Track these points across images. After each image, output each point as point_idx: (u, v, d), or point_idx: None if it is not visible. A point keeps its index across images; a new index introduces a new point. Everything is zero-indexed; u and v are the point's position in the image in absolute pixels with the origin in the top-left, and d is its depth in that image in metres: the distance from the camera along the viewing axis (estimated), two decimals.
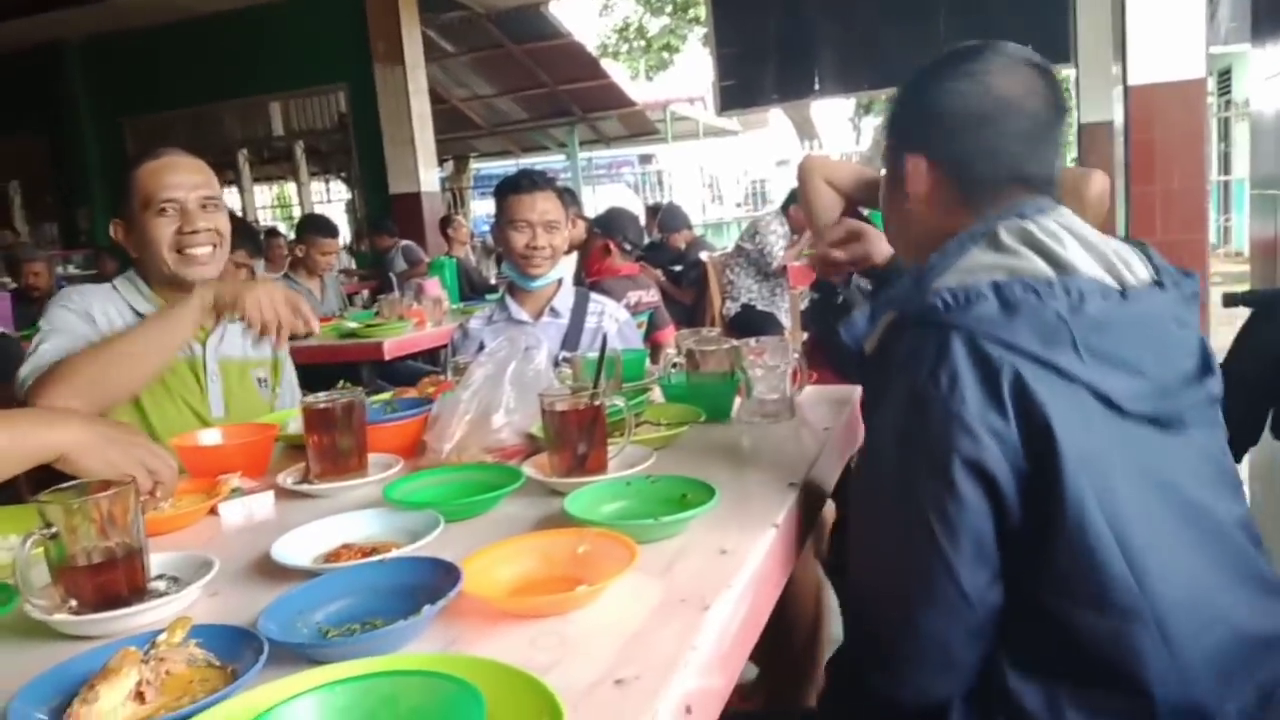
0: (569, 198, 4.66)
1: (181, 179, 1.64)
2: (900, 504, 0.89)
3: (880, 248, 1.44)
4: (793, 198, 5.41)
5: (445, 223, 6.69)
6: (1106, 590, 0.82)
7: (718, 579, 0.86)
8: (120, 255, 8.20)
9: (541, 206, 2.14)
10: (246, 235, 3.84)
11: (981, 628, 0.87)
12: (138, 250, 1.67)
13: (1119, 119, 4.04)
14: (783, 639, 1.66)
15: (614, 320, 2.28)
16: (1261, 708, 0.85)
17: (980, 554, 0.85)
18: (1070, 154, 11.15)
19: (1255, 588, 0.89)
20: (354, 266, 7.54)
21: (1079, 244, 0.94)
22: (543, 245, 2.13)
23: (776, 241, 5.20)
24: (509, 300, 2.26)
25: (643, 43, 14.11)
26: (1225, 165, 11.56)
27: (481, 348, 2.20)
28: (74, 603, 0.86)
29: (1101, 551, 0.82)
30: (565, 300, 2.25)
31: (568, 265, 4.25)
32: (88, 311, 1.61)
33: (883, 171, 1.18)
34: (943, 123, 1.00)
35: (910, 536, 0.87)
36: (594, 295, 2.34)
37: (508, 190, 2.18)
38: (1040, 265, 0.91)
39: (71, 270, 7.49)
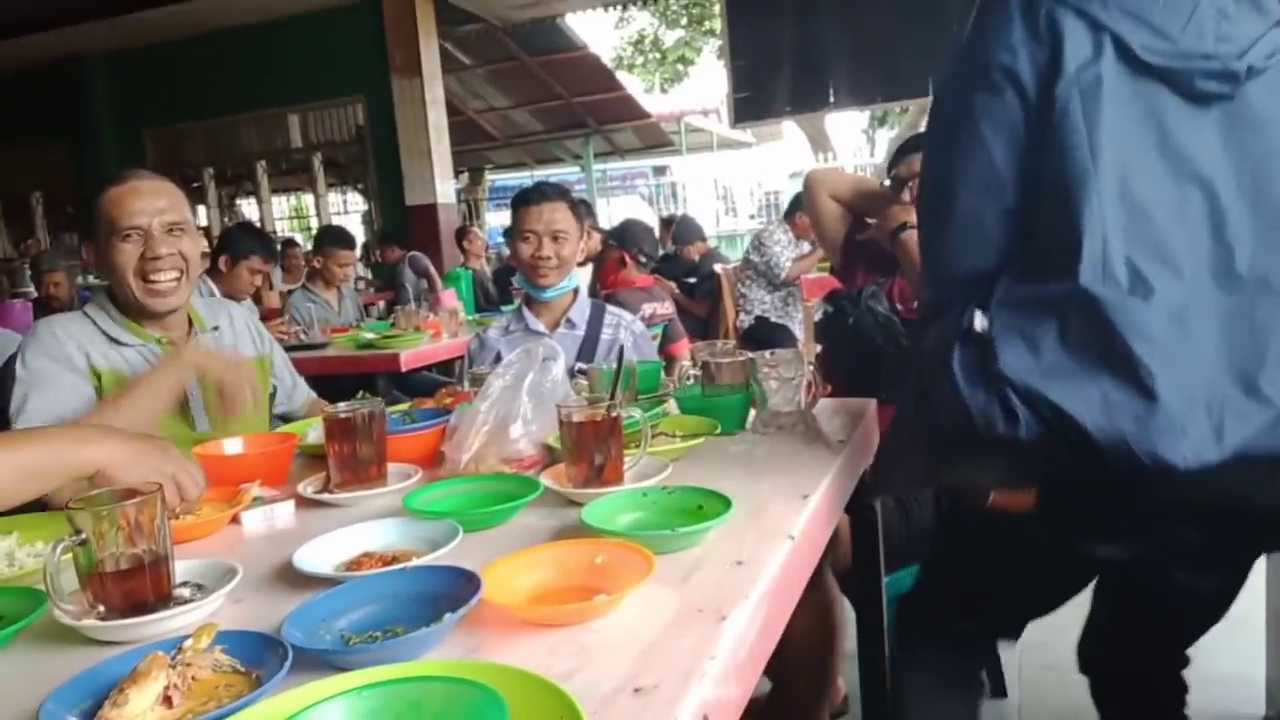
0: (584, 210, 4.67)
1: (145, 204, 1.60)
2: (955, 108, 1.14)
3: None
4: (795, 205, 5.42)
5: (461, 234, 6.73)
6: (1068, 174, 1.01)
7: (734, 590, 0.87)
8: None
9: (548, 217, 2.15)
10: (259, 241, 3.87)
11: (1008, 212, 1.07)
12: (104, 275, 1.65)
13: None
14: (797, 653, 1.66)
15: (629, 332, 2.28)
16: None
17: (1011, 142, 1.06)
18: None
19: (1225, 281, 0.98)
20: (370, 277, 7.59)
21: None
22: (548, 255, 2.14)
23: (782, 252, 5.20)
24: (525, 311, 2.27)
25: (658, 55, 14.17)
26: None
27: (498, 358, 2.21)
28: (102, 608, 0.88)
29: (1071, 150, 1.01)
30: (581, 312, 2.26)
31: (583, 277, 4.27)
32: (68, 356, 1.58)
33: None
34: None
35: (959, 130, 1.10)
36: (610, 307, 2.35)
37: (519, 202, 2.21)
38: None
39: (91, 280, 7.56)
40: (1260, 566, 2.36)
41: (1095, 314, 0.95)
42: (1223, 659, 2.18)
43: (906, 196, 2.05)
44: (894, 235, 1.98)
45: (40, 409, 1.51)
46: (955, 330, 1.05)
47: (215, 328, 1.80)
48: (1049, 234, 1.02)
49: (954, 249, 1.12)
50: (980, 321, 1.03)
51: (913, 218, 1.99)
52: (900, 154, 2.13)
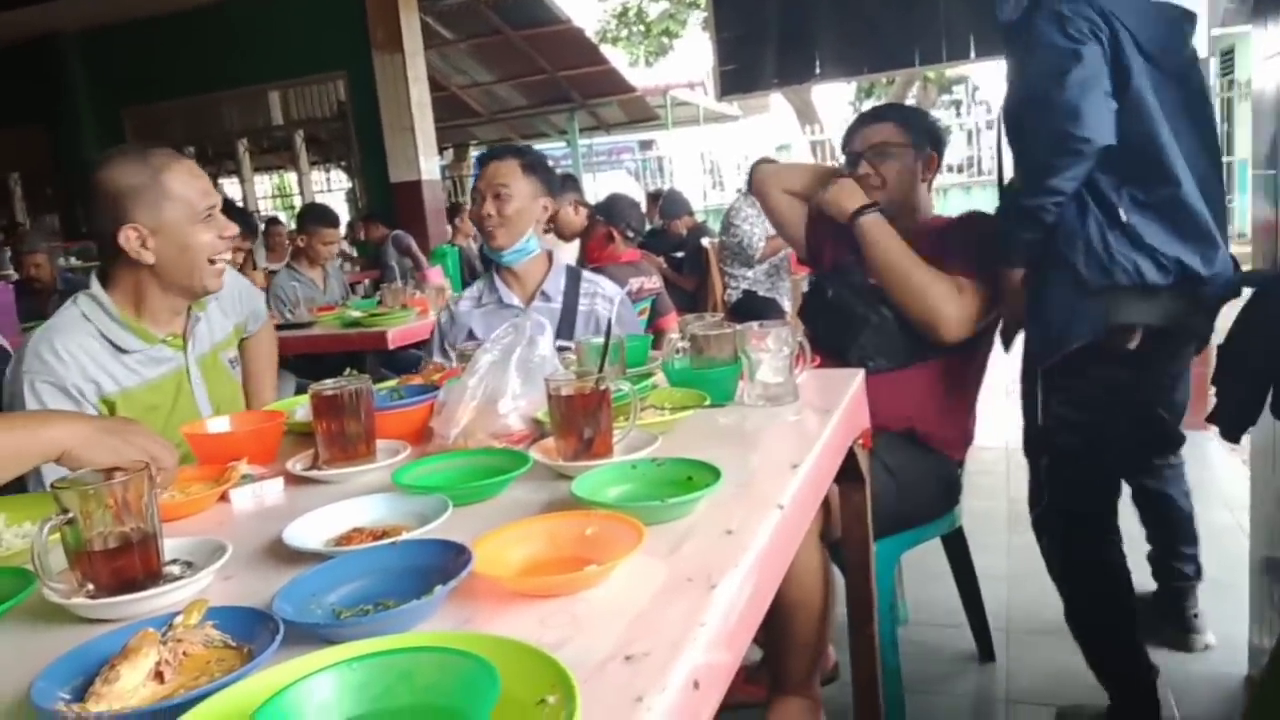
0: (570, 184, 4.65)
1: (207, 184, 1.57)
2: (1046, 54, 1.65)
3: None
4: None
5: (453, 212, 6.68)
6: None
7: (724, 558, 0.87)
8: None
9: (491, 174, 2.12)
10: (240, 218, 3.82)
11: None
12: (168, 259, 1.55)
13: None
14: (788, 620, 1.68)
15: (607, 301, 2.24)
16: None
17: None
18: None
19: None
20: (355, 255, 7.54)
21: None
22: (489, 213, 2.10)
23: (752, 229, 5.13)
24: (497, 281, 2.22)
25: (642, 28, 14.04)
26: (1228, 146, 11.51)
27: (471, 335, 2.19)
28: (91, 587, 0.87)
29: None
30: (556, 284, 2.21)
31: (570, 252, 4.25)
32: (78, 386, 1.50)
33: None
34: None
35: (1055, 71, 1.62)
36: (586, 274, 2.30)
37: (478, 161, 2.20)
38: None
39: (74, 261, 7.49)
40: (1244, 530, 2.40)
41: (1192, 210, 1.65)
42: (1209, 622, 2.22)
43: (864, 169, 2.04)
44: (854, 218, 1.98)
45: None
46: (1106, 220, 1.65)
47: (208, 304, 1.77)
48: (1140, 158, 1.65)
49: (1094, 125, 1.60)
50: (1124, 215, 1.64)
51: (870, 199, 2.00)
52: (856, 128, 2.11)
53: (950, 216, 2.09)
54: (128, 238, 1.52)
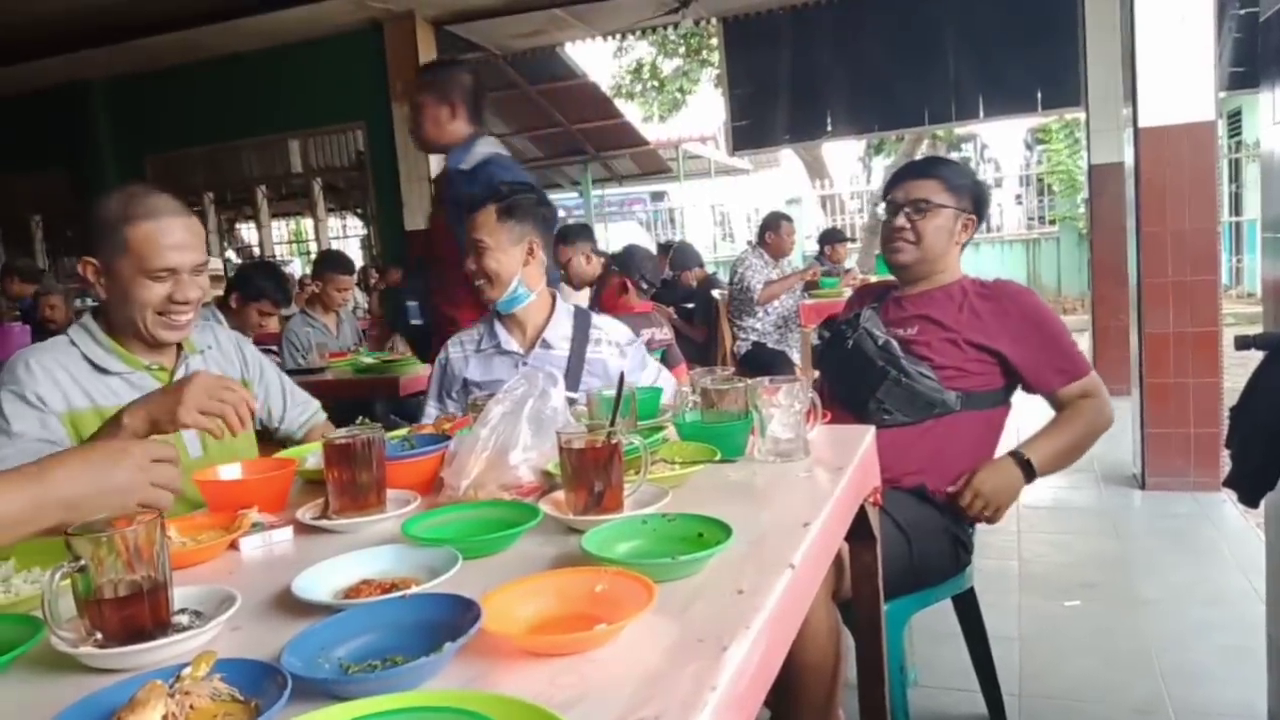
0: (584, 234, 4.70)
1: (181, 246, 1.58)
2: None
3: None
4: (765, 227, 5.48)
5: None
6: None
7: (735, 619, 0.87)
8: None
9: (470, 227, 2.08)
10: (275, 285, 3.82)
11: None
12: (113, 300, 1.61)
13: (1129, 160, 4.06)
14: (798, 682, 1.65)
15: (614, 347, 2.18)
16: None
17: None
18: (1081, 194, 11.13)
19: None
20: (366, 307, 7.59)
21: None
22: (470, 269, 2.07)
23: (754, 276, 5.23)
24: (497, 327, 2.15)
25: (656, 84, 14.29)
26: (1237, 206, 11.58)
27: (466, 383, 2.13)
28: (99, 635, 0.87)
29: None
30: (560, 330, 2.14)
31: (579, 300, 4.28)
32: (38, 395, 1.54)
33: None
34: None
35: None
36: (595, 320, 2.22)
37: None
38: None
39: (90, 303, 7.57)
40: (1260, 596, 2.36)
41: None
42: (1227, 688, 2.17)
43: (902, 221, 2.06)
44: (1030, 479, 1.94)
45: (4, 457, 1.45)
46: None
47: (203, 350, 1.79)
48: None
49: None
50: None
51: (902, 255, 2.03)
52: (902, 178, 2.11)
53: (978, 279, 2.08)
54: (84, 268, 1.61)
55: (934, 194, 2.03)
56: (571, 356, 2.13)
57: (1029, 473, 1.92)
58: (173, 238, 1.58)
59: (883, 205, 2.14)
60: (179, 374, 1.69)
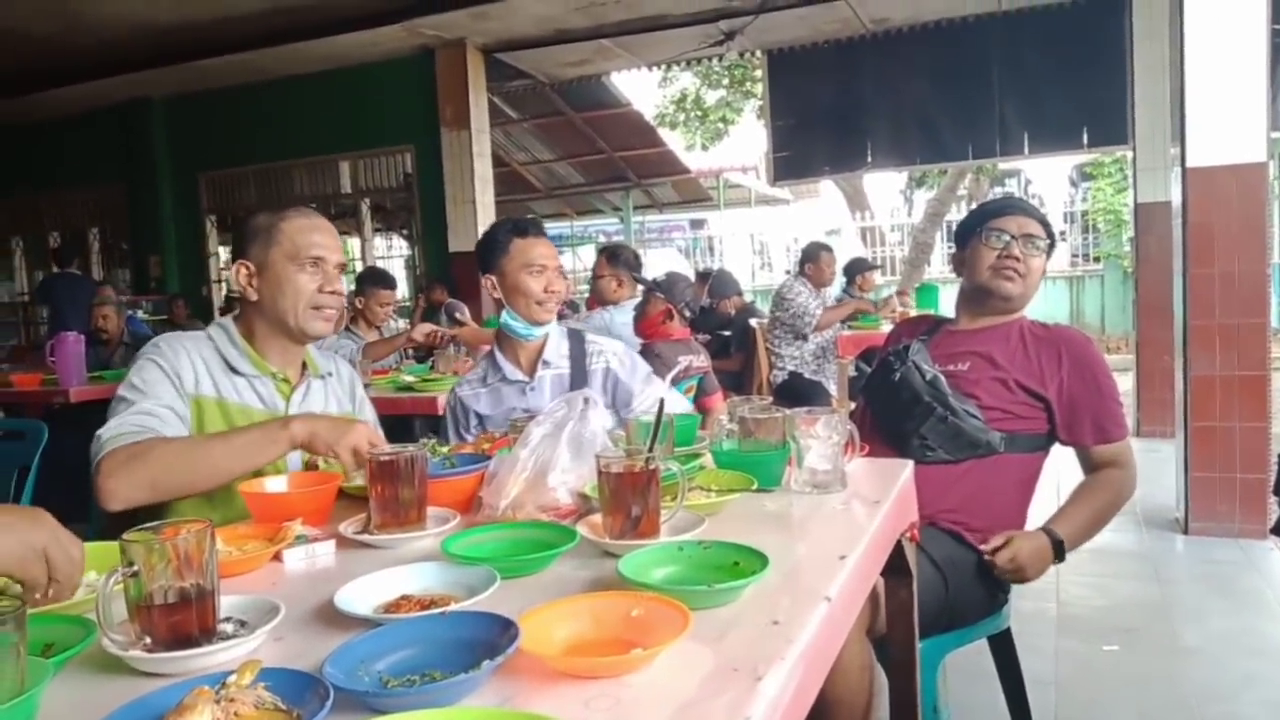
0: (622, 260, 4.70)
1: (328, 242, 1.73)
2: None
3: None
4: (806, 257, 5.48)
5: None
6: None
7: (770, 650, 0.87)
8: (194, 302, 8.35)
9: (553, 251, 2.17)
10: (378, 277, 4.76)
11: None
12: (268, 297, 1.71)
13: (1177, 200, 4.01)
14: (829, 717, 1.63)
15: (614, 356, 2.23)
16: None
17: None
18: (1127, 233, 10.96)
19: None
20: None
21: None
22: (558, 289, 2.14)
23: (806, 303, 5.22)
24: (499, 357, 2.20)
25: (699, 114, 14.40)
26: None
27: (479, 418, 2.19)
28: (148, 640, 0.90)
29: None
30: (555, 349, 2.20)
31: (620, 318, 4.30)
32: (177, 371, 1.65)
33: None
34: None
35: None
36: (588, 337, 2.29)
37: (514, 234, 2.15)
38: None
39: (141, 315, 7.77)
40: None
41: None
42: None
43: (1017, 250, 2.01)
44: (1060, 557, 1.88)
45: (139, 418, 1.55)
46: None
47: (324, 375, 1.87)
48: None
49: None
50: None
51: (1006, 296, 2.03)
52: (1010, 211, 2.06)
53: (1036, 321, 2.08)
54: (238, 273, 1.73)
55: (1038, 233, 2.05)
56: (573, 370, 2.20)
57: (1059, 554, 1.87)
58: (320, 233, 1.73)
59: (990, 233, 2.05)
60: (300, 390, 1.79)
